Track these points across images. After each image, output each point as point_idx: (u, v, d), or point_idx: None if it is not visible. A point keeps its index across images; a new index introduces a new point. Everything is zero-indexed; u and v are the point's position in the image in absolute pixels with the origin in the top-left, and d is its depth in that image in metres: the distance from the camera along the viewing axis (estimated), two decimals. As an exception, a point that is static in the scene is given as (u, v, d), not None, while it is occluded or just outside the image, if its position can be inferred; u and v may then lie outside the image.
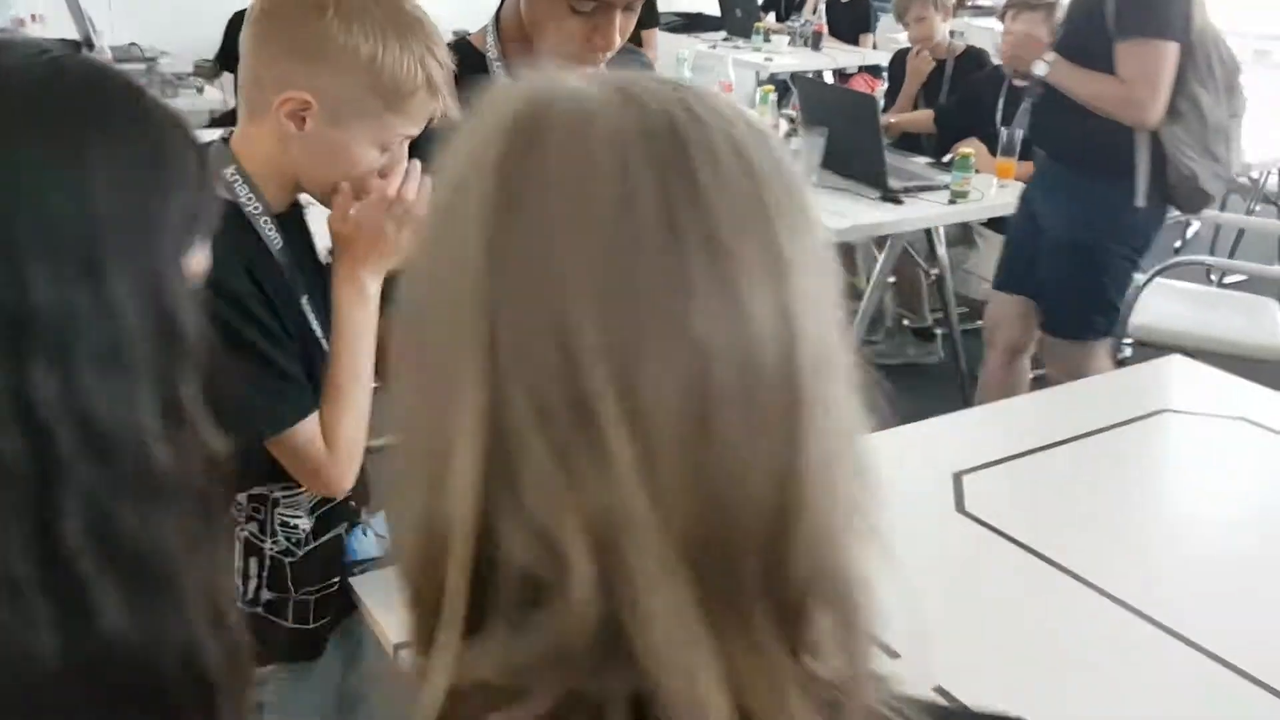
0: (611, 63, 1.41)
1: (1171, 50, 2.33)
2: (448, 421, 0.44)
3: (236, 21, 4.80)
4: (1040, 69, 2.51)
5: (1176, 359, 2.02)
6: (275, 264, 1.17)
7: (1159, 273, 3.14)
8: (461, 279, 0.44)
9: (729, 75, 4.29)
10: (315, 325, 1.20)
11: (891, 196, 3.04)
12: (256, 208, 1.16)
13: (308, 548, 1.28)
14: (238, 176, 1.16)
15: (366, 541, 1.36)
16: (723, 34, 6.35)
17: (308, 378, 1.16)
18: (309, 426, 1.15)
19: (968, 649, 1.20)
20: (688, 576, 0.43)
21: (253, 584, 1.26)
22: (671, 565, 0.43)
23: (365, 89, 1.11)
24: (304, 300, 1.19)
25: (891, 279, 3.74)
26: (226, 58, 4.78)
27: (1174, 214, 3.78)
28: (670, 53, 4.49)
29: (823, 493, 0.46)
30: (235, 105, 4.83)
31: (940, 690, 1.12)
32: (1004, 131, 3.37)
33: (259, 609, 1.25)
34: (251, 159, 1.17)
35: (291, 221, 1.21)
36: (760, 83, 5.31)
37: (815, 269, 0.47)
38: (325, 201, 1.19)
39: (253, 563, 1.25)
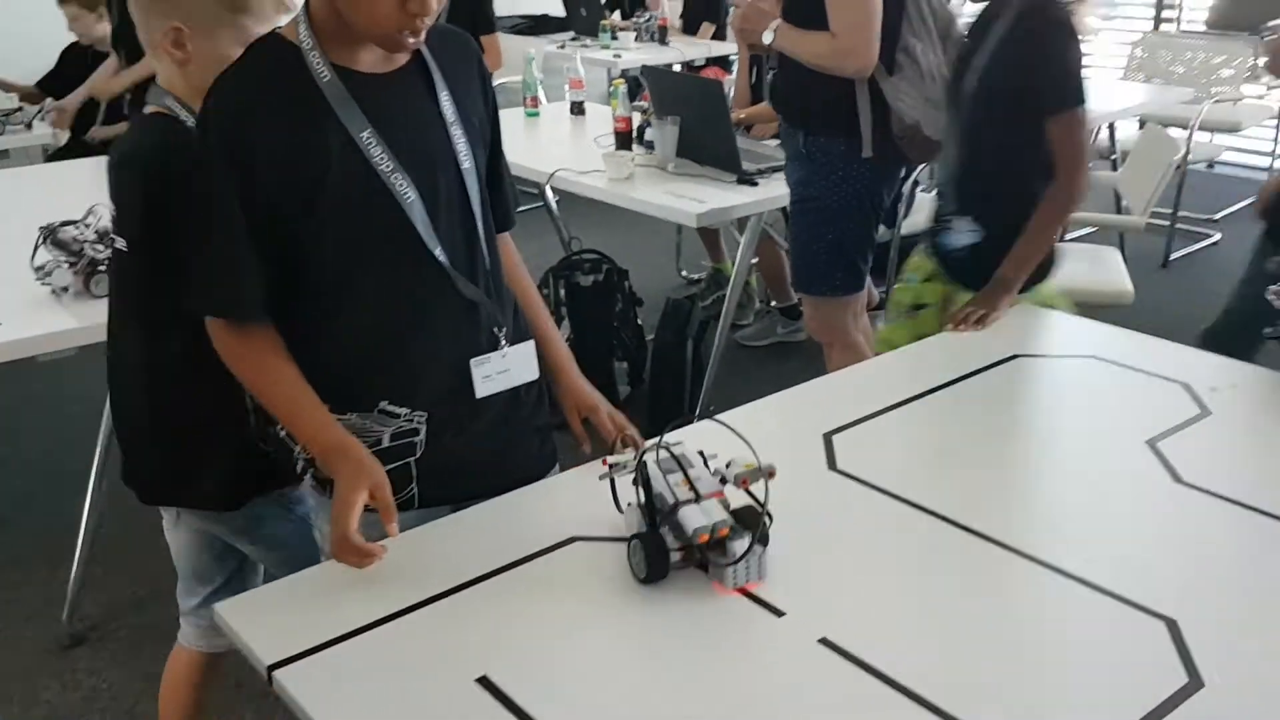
0: (441, 46, 1.38)
1: None
2: None
3: (69, 52, 4.64)
4: (767, 37, 2.55)
5: (1026, 306, 2.10)
6: None
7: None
8: None
9: (579, 72, 4.29)
10: None
11: (746, 179, 3.08)
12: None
13: None
14: (177, 104, 1.49)
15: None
16: (570, 34, 6.35)
17: None
18: None
19: (851, 600, 1.22)
20: None
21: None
22: None
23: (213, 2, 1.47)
24: None
25: (755, 260, 3.79)
26: (53, 81, 4.65)
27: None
28: (518, 53, 4.46)
29: None
30: (65, 141, 4.61)
31: (826, 642, 1.14)
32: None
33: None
34: (178, 91, 1.50)
35: None
36: (612, 79, 5.32)
37: None
38: None
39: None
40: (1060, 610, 1.21)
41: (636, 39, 6.00)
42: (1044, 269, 2.16)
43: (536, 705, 1.05)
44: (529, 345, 1.50)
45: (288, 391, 1.34)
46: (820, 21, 2.45)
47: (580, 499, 1.45)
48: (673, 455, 1.26)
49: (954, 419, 1.69)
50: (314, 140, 1.28)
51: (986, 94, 2.06)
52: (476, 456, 1.46)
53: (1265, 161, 6.08)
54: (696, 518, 1.20)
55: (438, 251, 1.35)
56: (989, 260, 2.08)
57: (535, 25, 6.71)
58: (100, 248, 2.21)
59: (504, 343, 1.45)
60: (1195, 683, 1.07)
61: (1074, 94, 1.99)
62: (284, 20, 1.41)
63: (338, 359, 1.38)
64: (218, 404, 1.52)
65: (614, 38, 6.00)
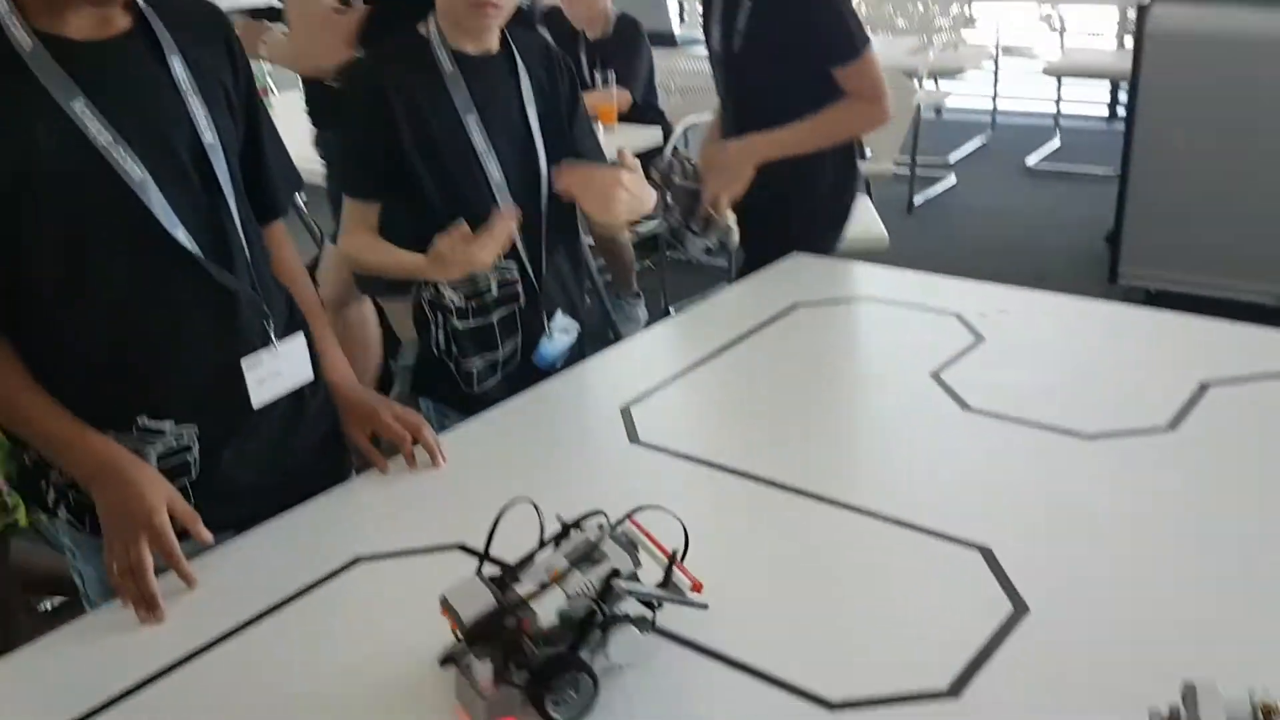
0: (175, 10, 1.22)
1: None
2: None
3: None
4: None
5: (797, 256, 2.10)
6: None
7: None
8: None
9: (312, 60, 4.03)
10: None
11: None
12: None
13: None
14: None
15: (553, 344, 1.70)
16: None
17: None
18: None
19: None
20: None
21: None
22: None
23: None
24: None
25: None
26: None
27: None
28: (243, 45, 4.15)
29: None
30: None
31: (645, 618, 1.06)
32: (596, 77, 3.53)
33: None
34: None
35: None
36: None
37: None
38: None
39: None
40: (877, 554, 1.18)
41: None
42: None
43: (339, 754, 0.92)
44: (299, 339, 1.34)
45: (25, 402, 1.16)
46: None
47: (364, 512, 1.32)
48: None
49: (745, 375, 1.65)
50: (17, 116, 1.10)
51: None
52: (260, 473, 1.30)
53: (987, 104, 6.50)
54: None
55: (180, 234, 1.18)
56: None
57: (262, 15, 6.31)
58: None
59: (274, 338, 1.29)
60: (1020, 608, 1.06)
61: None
62: None
63: (82, 370, 1.19)
64: None
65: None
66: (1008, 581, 1.10)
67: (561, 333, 1.73)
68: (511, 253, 1.62)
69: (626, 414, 1.53)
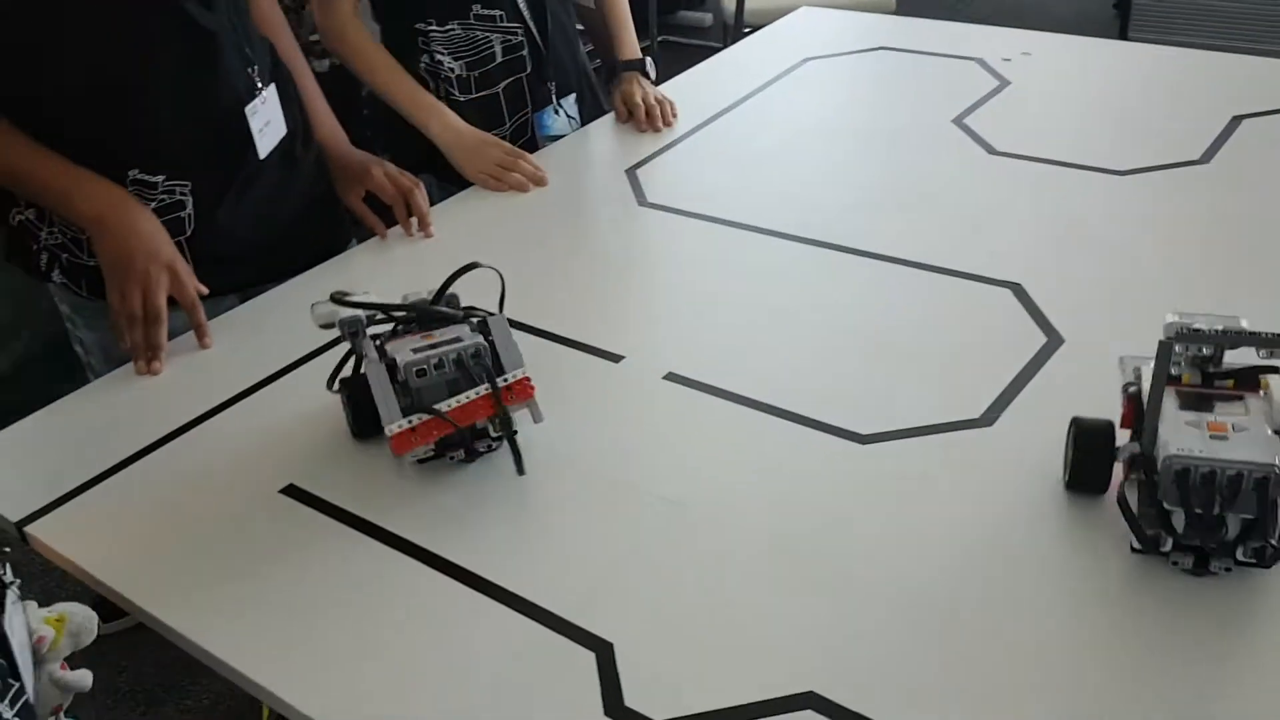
0: None
1: None
2: None
3: None
4: None
5: (805, 9, 1.97)
6: None
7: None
8: None
9: None
10: None
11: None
12: None
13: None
14: None
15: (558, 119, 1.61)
16: None
17: None
18: None
19: (690, 331, 1.11)
20: None
21: None
22: None
23: None
24: None
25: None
26: None
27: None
28: None
29: None
30: None
31: (673, 376, 1.03)
32: None
33: None
34: None
35: None
36: None
37: None
38: None
39: None
40: (904, 299, 1.14)
41: None
42: None
43: (352, 501, 0.90)
44: (273, 90, 1.25)
45: (19, 154, 1.10)
46: None
47: (369, 278, 1.27)
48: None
49: (755, 133, 1.57)
50: None
51: None
52: (255, 232, 1.24)
53: None
54: None
55: None
56: None
57: None
58: None
59: (260, 84, 1.21)
60: (1055, 340, 1.03)
61: None
62: None
63: (69, 122, 1.12)
64: None
65: None
66: (1040, 314, 1.07)
67: (568, 117, 1.63)
68: (514, 14, 1.51)
69: (632, 176, 1.46)
